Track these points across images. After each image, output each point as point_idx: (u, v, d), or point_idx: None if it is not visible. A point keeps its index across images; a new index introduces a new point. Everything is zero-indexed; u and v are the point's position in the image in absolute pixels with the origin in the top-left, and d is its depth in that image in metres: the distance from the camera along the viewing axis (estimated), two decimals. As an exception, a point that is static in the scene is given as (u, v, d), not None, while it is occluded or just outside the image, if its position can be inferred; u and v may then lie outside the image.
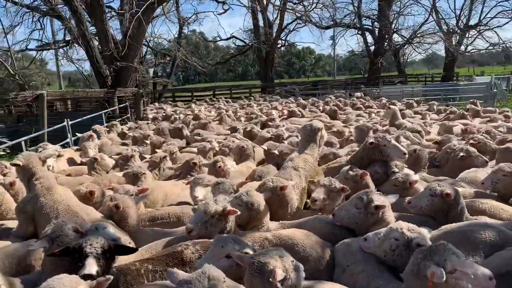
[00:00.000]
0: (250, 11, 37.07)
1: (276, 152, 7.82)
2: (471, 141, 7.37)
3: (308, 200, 5.30)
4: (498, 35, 38.54)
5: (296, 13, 38.27)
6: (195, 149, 9.28)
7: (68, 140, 12.15)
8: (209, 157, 8.14)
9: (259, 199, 4.41)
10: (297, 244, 3.86)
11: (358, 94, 27.96)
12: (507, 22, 39.08)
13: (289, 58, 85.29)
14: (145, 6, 16.51)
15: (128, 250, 3.34)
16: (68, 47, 23.77)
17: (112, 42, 18.26)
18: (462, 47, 40.62)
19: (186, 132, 10.94)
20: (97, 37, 19.32)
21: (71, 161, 9.33)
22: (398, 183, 5.10)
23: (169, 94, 34.68)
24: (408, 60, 55.03)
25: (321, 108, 19.01)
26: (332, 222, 4.33)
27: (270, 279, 2.74)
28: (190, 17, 30.99)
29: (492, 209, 4.72)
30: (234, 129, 12.01)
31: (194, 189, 5.35)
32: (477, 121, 12.72)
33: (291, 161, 5.51)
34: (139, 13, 16.26)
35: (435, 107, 15.75)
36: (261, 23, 39.07)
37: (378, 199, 4.02)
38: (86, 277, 2.86)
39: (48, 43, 24.85)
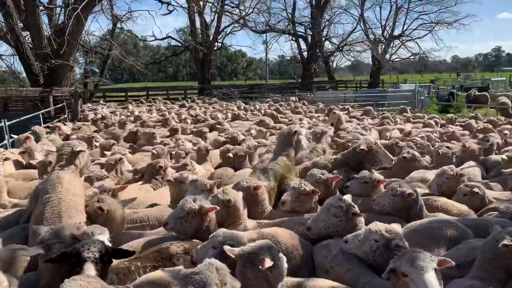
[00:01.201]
0: (187, 11, 36.76)
1: (230, 154, 8.03)
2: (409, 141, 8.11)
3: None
4: (418, 45, 41.84)
5: (233, 17, 38.62)
6: (147, 153, 9.19)
7: (5, 142, 11.27)
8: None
9: (236, 196, 4.59)
10: (279, 242, 4.02)
11: (293, 98, 28.87)
12: (425, 34, 42.56)
13: (221, 61, 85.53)
14: (85, 2, 15.76)
15: (125, 253, 3.35)
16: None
17: (45, 38, 17.20)
18: (387, 56, 43.49)
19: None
20: (27, 32, 18.07)
21: (15, 164, 8.78)
22: (369, 180, 5.35)
23: (99, 94, 33.28)
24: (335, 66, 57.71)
25: (262, 111, 19.47)
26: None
27: (260, 267, 3.00)
28: (124, 15, 29.95)
29: (444, 205, 5.25)
30: (174, 131, 11.89)
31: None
32: (408, 126, 13.79)
33: (262, 163, 5.70)
34: (79, 10, 15.51)
35: (372, 112, 16.73)
36: (197, 24, 38.89)
37: (354, 205, 4.21)
38: None
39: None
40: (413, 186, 5.23)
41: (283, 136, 6.06)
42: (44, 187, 4.62)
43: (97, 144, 9.60)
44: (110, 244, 3.41)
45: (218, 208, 4.18)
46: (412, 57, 43.76)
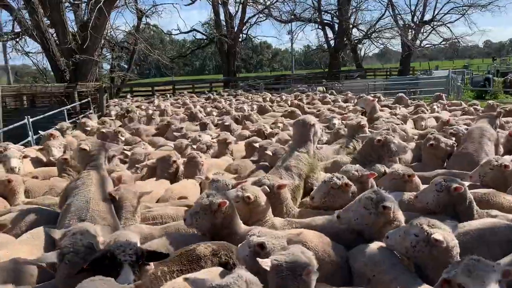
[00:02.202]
0: (210, 3, 36.40)
1: (256, 145, 7.65)
2: (450, 131, 7.40)
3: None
4: (450, 30, 40.11)
5: (258, 7, 38.03)
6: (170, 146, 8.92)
7: (29, 138, 11.21)
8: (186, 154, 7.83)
9: (256, 192, 4.30)
10: (309, 246, 3.63)
11: (320, 88, 28.19)
12: (458, 18, 40.79)
13: (247, 52, 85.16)
14: (107, -5, 15.70)
15: (160, 256, 3.15)
16: (18, 39, 22.19)
17: (70, 34, 17.18)
18: (417, 42, 41.96)
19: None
20: (52, 29, 18.12)
21: (36, 161, 8.64)
22: (397, 176, 4.95)
23: (127, 89, 33.45)
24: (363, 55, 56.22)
25: (289, 102, 18.95)
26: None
27: (303, 277, 2.80)
28: (149, 9, 29.93)
29: (495, 199, 4.73)
30: (204, 125, 11.62)
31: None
32: (445, 114, 12.99)
33: (282, 161, 5.24)
34: (101, 3, 15.37)
35: (404, 100, 15.96)
36: (221, 16, 38.52)
37: (388, 198, 3.84)
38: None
39: (-4, 34, 23.15)
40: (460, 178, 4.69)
41: (299, 129, 5.55)
42: (74, 185, 4.73)
43: (123, 139, 9.37)
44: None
45: (228, 203, 3.90)
46: (444, 42, 42.01)
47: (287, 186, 4.76)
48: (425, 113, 13.11)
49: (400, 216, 3.90)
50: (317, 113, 13.42)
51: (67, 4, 23.34)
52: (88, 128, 11.70)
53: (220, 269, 3.43)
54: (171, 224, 4.56)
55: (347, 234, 4.01)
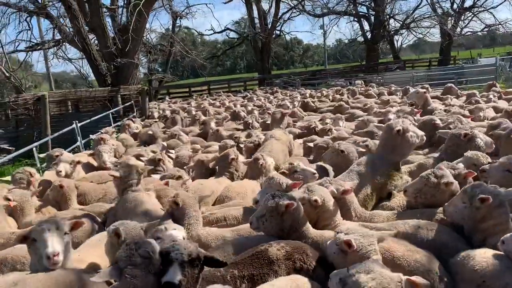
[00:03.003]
0: (244, 1, 36.18)
1: (311, 144, 7.31)
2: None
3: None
4: (494, 16, 38.14)
5: (291, 2, 37.51)
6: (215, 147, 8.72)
7: (78, 143, 11.29)
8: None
9: (324, 194, 4.00)
10: (398, 257, 3.33)
11: (359, 81, 27.41)
12: (501, 3, 38.73)
13: (277, 50, 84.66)
14: (146, -2, 15.71)
15: (218, 263, 3.03)
16: (58, 46, 22.71)
17: (110, 38, 17.34)
18: (458, 30, 40.22)
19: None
20: (92, 34, 18.39)
21: (87, 166, 8.63)
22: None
23: (164, 91, 33.76)
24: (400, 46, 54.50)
25: (330, 97, 18.43)
26: (435, 228, 3.74)
27: None
28: (183, 10, 30.02)
29: None
30: (247, 124, 11.36)
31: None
32: (502, 103, 12.17)
33: (358, 166, 4.81)
34: (141, 5, 15.39)
35: (455, 90, 15.14)
36: (254, 13, 38.24)
37: (485, 191, 3.48)
38: (167, 285, 2.72)
39: (37, 43, 23.80)
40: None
41: (385, 136, 5.00)
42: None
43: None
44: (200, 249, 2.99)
45: (295, 204, 3.69)
46: (487, 29, 40.02)
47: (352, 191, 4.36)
48: (480, 103, 12.37)
49: (504, 214, 3.50)
50: (365, 107, 12.85)
51: (104, 9, 23.72)
52: (136, 131, 11.67)
53: (300, 278, 3.18)
54: (243, 226, 4.33)
55: (438, 243, 3.64)
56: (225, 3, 32.71)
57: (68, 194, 5.91)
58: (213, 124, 10.80)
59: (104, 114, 13.92)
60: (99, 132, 11.06)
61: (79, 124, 11.43)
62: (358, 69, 37.91)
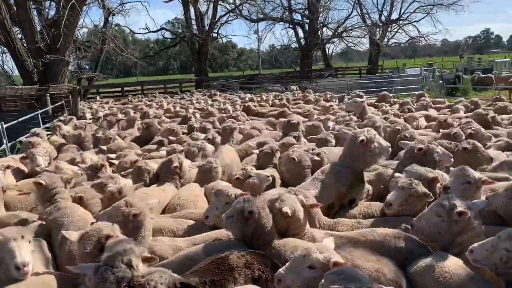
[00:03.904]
0: (180, 1, 35.51)
1: (256, 151, 7.20)
2: (469, 131, 7.16)
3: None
4: (417, 28, 41.01)
5: (228, 6, 37.47)
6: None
7: (4, 146, 10.24)
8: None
9: (295, 205, 3.94)
10: (359, 266, 3.31)
11: (294, 87, 28.03)
12: (423, 17, 41.74)
13: (212, 52, 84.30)
14: (80, -9, 14.70)
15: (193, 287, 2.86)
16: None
17: (38, 33, 16.05)
18: (385, 40, 42.67)
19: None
20: (18, 28, 16.90)
21: (17, 172, 7.84)
22: (472, 180, 4.29)
23: (93, 90, 32.06)
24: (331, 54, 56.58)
25: (270, 102, 18.59)
26: (402, 236, 3.78)
27: None
28: (116, 7, 28.74)
29: None
30: (191, 128, 11.05)
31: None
32: (433, 112, 12.97)
33: (322, 174, 4.79)
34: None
35: (388, 98, 15.93)
36: (192, 15, 37.66)
37: (462, 204, 3.54)
38: None
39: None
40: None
41: (348, 145, 4.98)
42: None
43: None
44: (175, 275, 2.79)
45: (258, 212, 3.70)
46: (411, 40, 42.91)
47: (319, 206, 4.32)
48: (412, 111, 13.09)
49: (478, 226, 3.59)
50: (307, 113, 13.06)
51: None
52: (68, 133, 10.86)
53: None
54: (198, 236, 4.19)
55: (404, 250, 3.68)
56: (165, 1, 31.81)
57: None
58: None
59: (33, 114, 12.80)
60: (30, 134, 10.14)
61: (7, 125, 10.38)
62: (292, 75, 38.78)
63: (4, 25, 15.84)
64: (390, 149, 4.73)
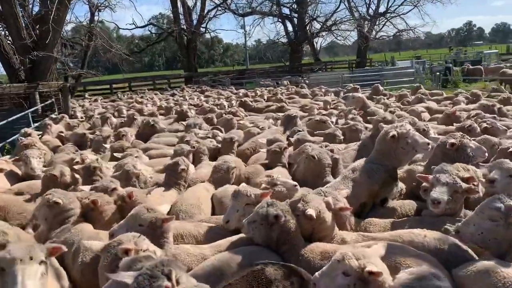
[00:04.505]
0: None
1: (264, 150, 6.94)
2: (484, 125, 6.96)
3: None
4: (405, 21, 41.05)
5: (216, 0, 36.95)
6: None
7: (-6, 148, 9.75)
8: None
9: (320, 206, 3.68)
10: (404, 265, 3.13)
11: (286, 82, 27.77)
12: (410, 10, 41.77)
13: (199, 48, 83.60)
14: (67, -15, 14.11)
15: None
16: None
17: (24, 29, 15.43)
18: (373, 33, 42.64)
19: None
20: (2, 24, 16.23)
21: (10, 175, 7.42)
22: None
23: (80, 88, 31.29)
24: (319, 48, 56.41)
25: (265, 97, 18.28)
26: (443, 238, 3.54)
27: None
28: (102, 3, 28.02)
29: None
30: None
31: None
32: (433, 104, 12.82)
33: (353, 172, 4.49)
34: (62, -7, 13.83)
35: (380, 91, 15.78)
36: (179, 10, 37.05)
37: None
38: None
39: None
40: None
41: (379, 141, 4.68)
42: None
43: (107, 146, 8.29)
44: None
45: (285, 217, 3.50)
46: (399, 33, 42.99)
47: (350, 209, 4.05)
48: (406, 104, 12.94)
49: None
50: (307, 108, 12.80)
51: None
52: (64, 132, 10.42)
53: None
54: (223, 242, 3.90)
55: (446, 254, 3.44)
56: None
57: None
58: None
59: (23, 113, 12.27)
60: (21, 134, 9.66)
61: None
62: (282, 69, 38.51)
63: (-12, 21, 15.25)
64: (429, 146, 4.40)
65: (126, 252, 3.00)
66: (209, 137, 8.64)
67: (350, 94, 12.47)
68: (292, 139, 7.37)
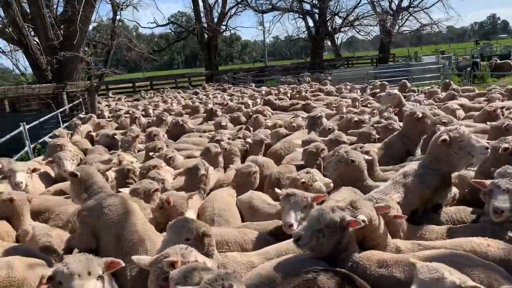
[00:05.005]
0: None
1: (300, 150, 6.74)
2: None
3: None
4: (429, 15, 40.16)
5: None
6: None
7: (26, 149, 9.82)
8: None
9: (371, 212, 3.49)
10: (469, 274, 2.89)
11: (307, 79, 27.46)
12: (434, 4, 40.87)
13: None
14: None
15: None
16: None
17: (51, 30, 15.59)
18: (396, 28, 41.89)
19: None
20: (30, 24, 16.43)
21: (44, 176, 7.46)
22: None
23: (103, 87, 31.63)
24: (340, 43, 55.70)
25: (288, 95, 18.08)
26: (508, 248, 3.33)
27: None
28: (124, 2, 28.21)
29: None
30: (218, 125, 10.56)
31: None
32: (465, 101, 12.41)
33: (404, 177, 4.24)
34: (89, -6, 13.90)
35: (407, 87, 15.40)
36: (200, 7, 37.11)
37: None
38: None
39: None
40: None
41: (431, 145, 4.39)
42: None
43: (142, 147, 8.26)
44: None
45: (362, 225, 3.29)
46: (421, 28, 42.05)
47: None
48: (437, 101, 12.57)
49: None
50: (334, 106, 12.55)
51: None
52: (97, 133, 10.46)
53: None
54: (270, 249, 3.81)
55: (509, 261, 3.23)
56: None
57: (20, 209, 4.94)
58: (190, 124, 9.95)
59: (52, 114, 12.38)
60: (53, 134, 9.71)
61: (29, 126, 9.95)
62: (303, 65, 38.17)
63: (16, 22, 15.41)
64: (487, 150, 4.14)
65: (172, 265, 2.90)
66: (239, 137, 8.53)
67: (387, 91, 12.18)
68: (326, 139, 7.15)
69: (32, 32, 16.54)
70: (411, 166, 4.31)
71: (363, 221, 3.33)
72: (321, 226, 3.26)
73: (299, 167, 6.27)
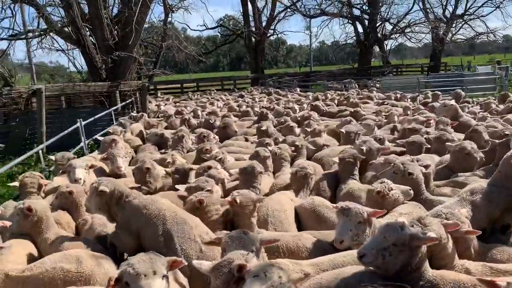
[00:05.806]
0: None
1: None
2: None
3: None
4: (485, 23, 38.51)
5: (284, 1, 36.90)
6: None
7: (82, 144, 10.20)
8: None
9: (440, 230, 3.27)
10: None
11: (355, 85, 26.94)
12: (491, 12, 39.21)
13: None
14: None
15: None
16: (43, 36, 21.17)
17: (107, 30, 16.22)
18: (449, 36, 40.47)
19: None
20: (88, 24, 17.18)
21: (99, 172, 7.68)
22: None
23: (151, 87, 32.48)
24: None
25: (336, 101, 17.78)
26: None
27: None
28: (176, 4, 29.01)
29: None
30: (261, 132, 10.47)
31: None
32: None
33: (472, 194, 4.03)
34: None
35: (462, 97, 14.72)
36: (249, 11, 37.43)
37: None
38: None
39: (21, 32, 22.20)
40: None
41: (502, 163, 4.19)
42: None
43: (193, 148, 8.36)
44: None
45: (440, 240, 3.15)
46: (477, 36, 40.37)
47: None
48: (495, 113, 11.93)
49: None
50: (385, 114, 12.20)
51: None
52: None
53: None
54: (325, 260, 3.65)
55: None
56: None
57: (78, 201, 5.22)
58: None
59: (107, 111, 12.84)
60: (109, 131, 10.02)
61: (85, 122, 10.33)
62: (350, 71, 37.59)
63: (76, 22, 16.10)
64: None
65: (241, 269, 2.88)
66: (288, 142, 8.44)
67: (443, 101, 11.73)
68: (363, 148, 6.78)
69: (88, 32, 17.22)
70: (480, 183, 4.08)
71: (435, 238, 3.12)
72: (388, 244, 3.03)
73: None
